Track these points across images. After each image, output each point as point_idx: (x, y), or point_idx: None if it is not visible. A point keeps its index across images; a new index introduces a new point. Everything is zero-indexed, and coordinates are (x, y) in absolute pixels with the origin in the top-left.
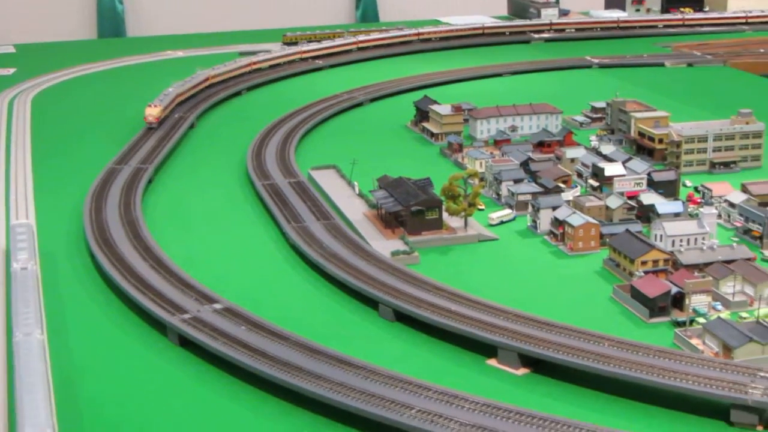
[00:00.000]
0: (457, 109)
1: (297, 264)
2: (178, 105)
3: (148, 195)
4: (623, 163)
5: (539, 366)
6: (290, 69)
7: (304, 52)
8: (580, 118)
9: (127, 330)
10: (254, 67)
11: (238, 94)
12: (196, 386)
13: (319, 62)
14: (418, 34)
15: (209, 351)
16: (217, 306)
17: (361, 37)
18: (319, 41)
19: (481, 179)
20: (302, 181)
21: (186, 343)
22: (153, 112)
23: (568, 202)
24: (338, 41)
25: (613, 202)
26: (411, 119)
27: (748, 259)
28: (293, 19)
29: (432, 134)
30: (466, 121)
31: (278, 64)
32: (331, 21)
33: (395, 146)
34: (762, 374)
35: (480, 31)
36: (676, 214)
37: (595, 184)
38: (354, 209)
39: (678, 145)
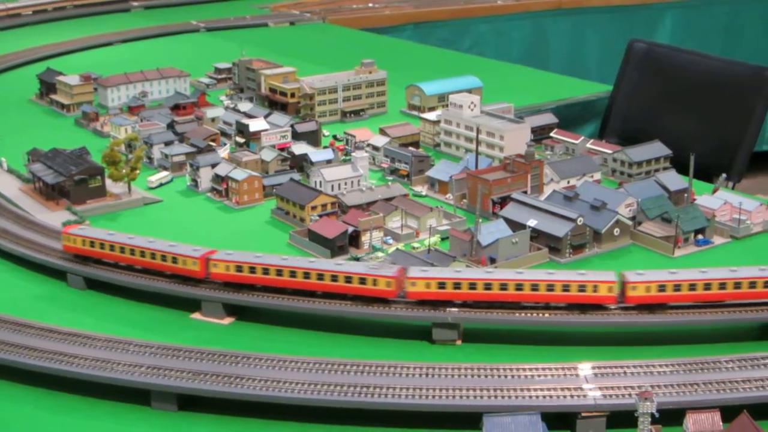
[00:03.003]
0: (86, 79)
1: None
2: None
3: None
4: (264, 117)
5: (244, 313)
6: None
7: None
8: (206, 80)
9: None
10: None
11: None
12: None
13: None
14: (6, 10)
15: None
16: None
17: None
18: None
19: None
20: None
21: None
22: None
23: (224, 158)
24: None
25: (267, 155)
26: (35, 93)
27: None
28: None
29: (63, 106)
30: (95, 90)
31: None
32: None
33: (26, 121)
34: None
35: (75, 2)
36: (329, 161)
37: (242, 140)
38: (8, 185)
39: (311, 97)
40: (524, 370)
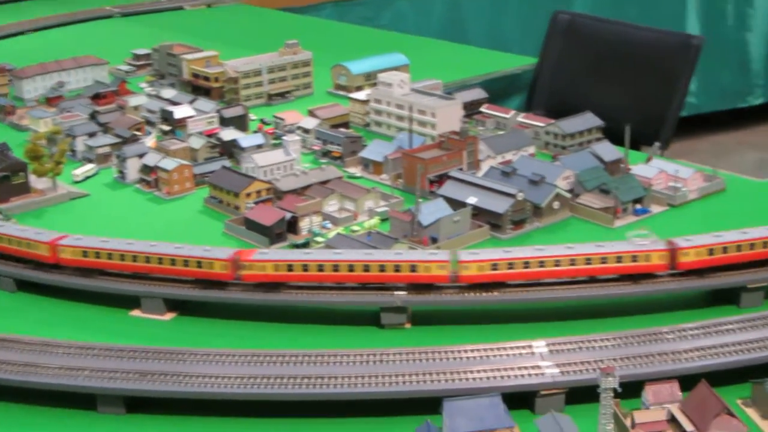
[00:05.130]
0: (1, 71)
1: None
2: None
3: None
4: (189, 104)
5: (185, 308)
6: None
7: None
8: (125, 67)
9: None
10: None
11: None
12: None
13: None
14: None
15: None
16: None
17: None
18: None
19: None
20: None
21: None
22: None
23: (151, 148)
24: None
25: (196, 142)
26: None
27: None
28: None
29: None
30: (10, 81)
31: None
32: None
33: None
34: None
35: None
36: (259, 146)
37: (167, 128)
38: None
39: (235, 81)
40: (478, 351)
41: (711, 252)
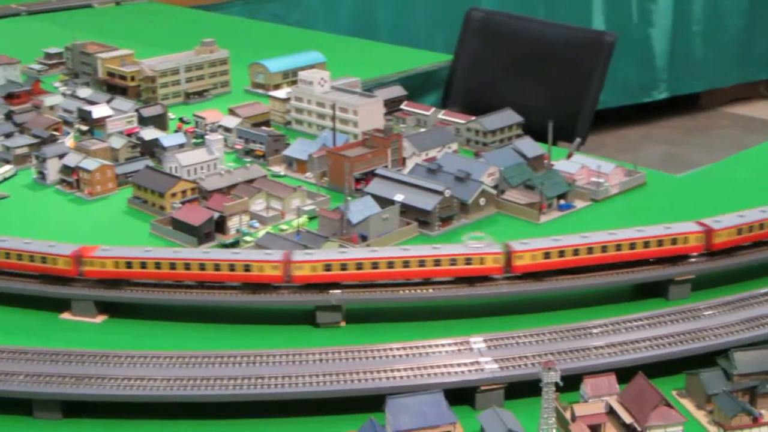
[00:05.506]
0: None
1: None
2: None
3: None
4: (107, 103)
5: (117, 310)
6: None
7: None
8: (37, 66)
9: None
10: None
11: None
12: None
13: None
14: None
15: None
16: None
17: None
18: None
19: None
20: None
21: None
22: None
23: (70, 148)
24: None
25: (116, 142)
26: None
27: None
28: None
29: None
30: None
31: None
32: None
33: None
34: None
35: None
36: (181, 145)
37: (85, 128)
38: None
39: (153, 80)
40: (417, 347)
41: (547, 255)
